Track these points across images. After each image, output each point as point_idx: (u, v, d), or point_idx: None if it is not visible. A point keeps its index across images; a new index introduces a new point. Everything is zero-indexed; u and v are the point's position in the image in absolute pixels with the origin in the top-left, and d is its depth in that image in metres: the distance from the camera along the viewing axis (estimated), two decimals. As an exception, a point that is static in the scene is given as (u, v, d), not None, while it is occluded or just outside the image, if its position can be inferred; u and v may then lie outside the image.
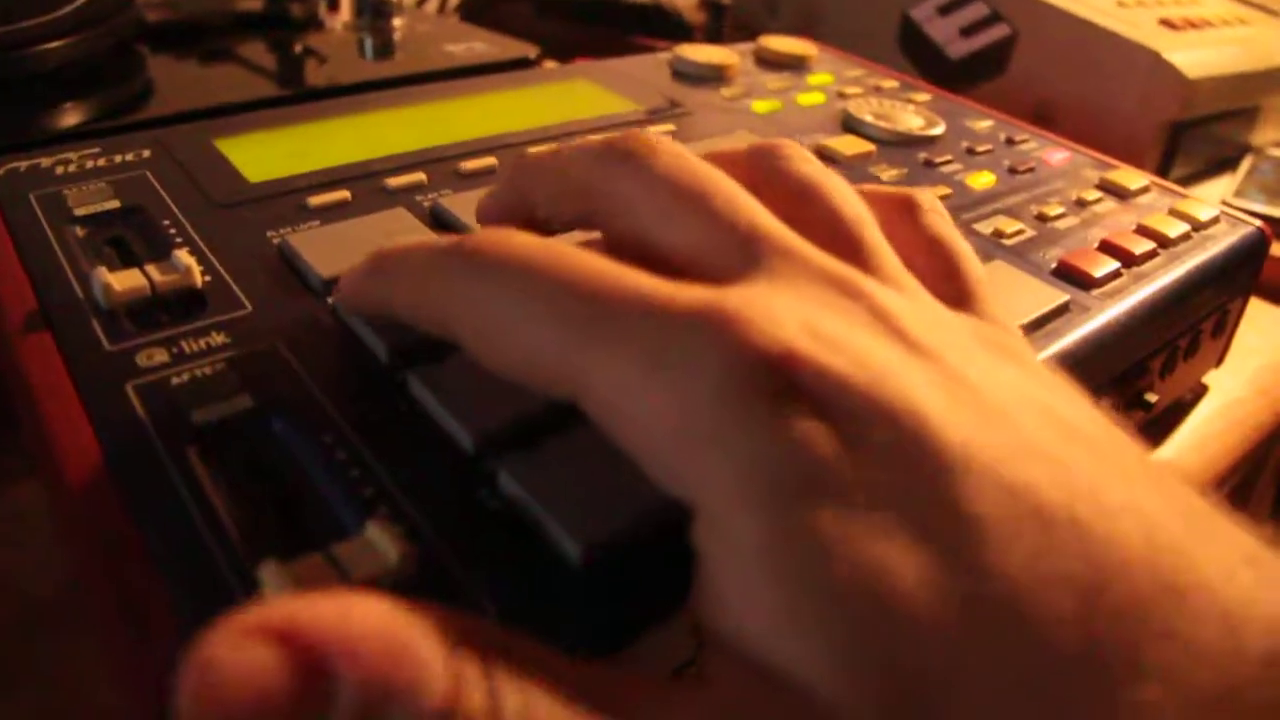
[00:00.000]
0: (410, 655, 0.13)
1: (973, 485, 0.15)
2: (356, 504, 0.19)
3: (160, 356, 0.23)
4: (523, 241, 0.18)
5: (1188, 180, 0.61)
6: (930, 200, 0.23)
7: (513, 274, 0.17)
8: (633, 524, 0.19)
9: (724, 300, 0.16)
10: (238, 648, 0.12)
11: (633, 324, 0.16)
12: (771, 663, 0.14)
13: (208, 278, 0.26)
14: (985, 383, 0.17)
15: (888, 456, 0.15)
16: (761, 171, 0.22)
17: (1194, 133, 0.59)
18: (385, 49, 0.55)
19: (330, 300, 0.25)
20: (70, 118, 0.42)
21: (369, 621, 0.13)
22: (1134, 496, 0.15)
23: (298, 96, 0.46)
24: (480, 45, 0.54)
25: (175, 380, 0.22)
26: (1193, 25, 0.62)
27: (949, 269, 0.22)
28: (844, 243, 0.20)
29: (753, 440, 0.15)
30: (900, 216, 0.23)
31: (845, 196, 0.21)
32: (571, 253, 0.18)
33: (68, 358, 0.23)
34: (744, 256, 0.18)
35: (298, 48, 0.54)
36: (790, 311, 0.16)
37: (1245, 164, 0.63)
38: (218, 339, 0.23)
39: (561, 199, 0.22)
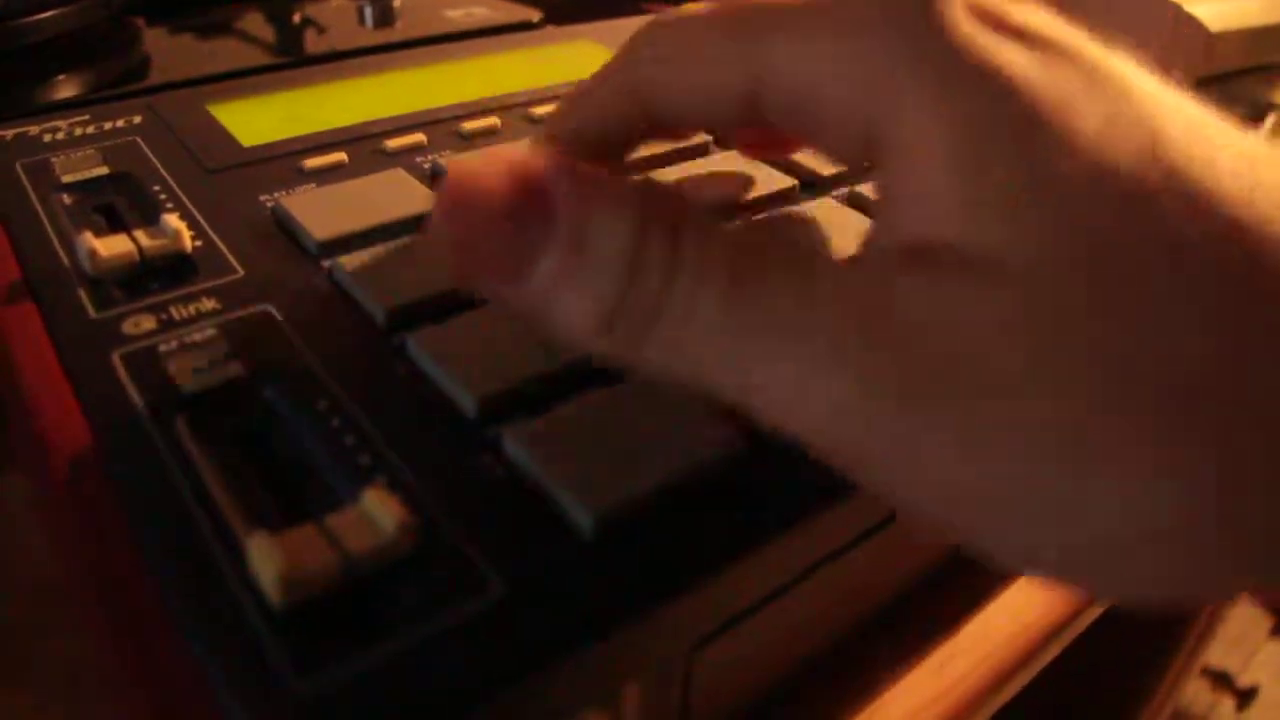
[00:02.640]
0: (608, 190, 0.16)
1: (1161, 107, 0.15)
2: (352, 473, 0.18)
3: (148, 324, 0.22)
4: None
5: (1211, 138, 0.59)
6: None
7: (684, 16, 0.19)
8: (646, 493, 0.18)
9: None
10: (482, 173, 0.15)
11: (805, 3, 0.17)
12: (948, 237, 0.15)
13: (198, 242, 0.25)
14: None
15: (1079, 78, 0.15)
16: None
17: (1216, 90, 0.57)
18: (385, 17, 0.53)
19: (325, 263, 0.24)
20: (64, 90, 0.41)
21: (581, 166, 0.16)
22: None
23: (297, 65, 0.45)
24: (481, 10, 0.53)
25: (163, 348, 0.21)
26: (1215, -22, 0.60)
27: None
28: None
29: (942, 56, 0.15)
30: None
31: None
32: None
33: (52, 328, 0.22)
34: None
35: (296, 18, 0.53)
36: None
37: (1269, 122, 0.61)
38: (208, 304, 0.22)
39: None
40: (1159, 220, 0.14)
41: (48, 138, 0.31)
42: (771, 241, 0.16)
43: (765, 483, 0.19)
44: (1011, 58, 0.15)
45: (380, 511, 0.16)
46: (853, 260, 0.16)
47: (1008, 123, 0.15)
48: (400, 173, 0.28)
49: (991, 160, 0.15)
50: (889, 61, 0.16)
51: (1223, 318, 0.14)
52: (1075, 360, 0.14)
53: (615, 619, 0.16)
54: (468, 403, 0.19)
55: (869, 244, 0.17)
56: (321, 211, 0.25)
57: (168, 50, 0.47)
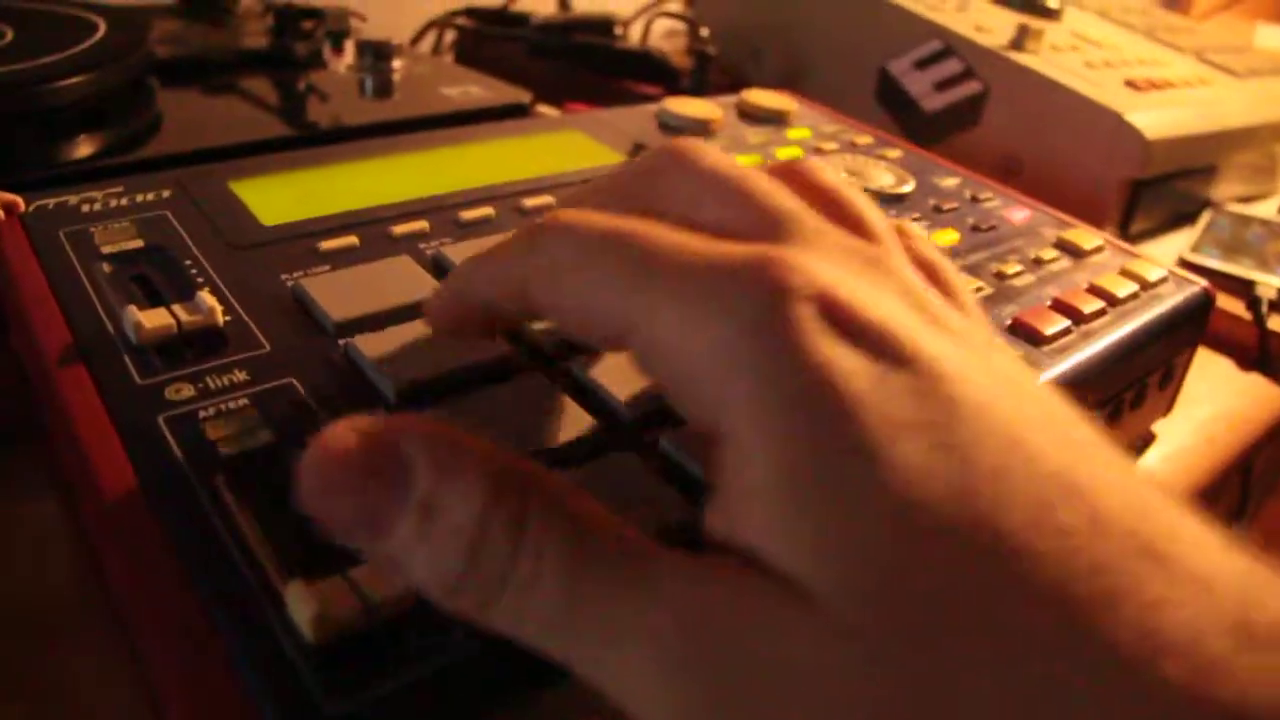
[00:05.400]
0: (462, 458, 0.17)
1: (984, 429, 0.16)
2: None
3: (187, 391, 0.25)
4: (588, 214, 0.20)
5: (1148, 234, 0.64)
6: (918, 230, 0.25)
7: (580, 234, 0.19)
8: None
9: (771, 250, 0.18)
10: (345, 436, 0.17)
11: (687, 271, 0.18)
12: (766, 552, 0.16)
13: (228, 318, 0.28)
14: (996, 360, 0.18)
15: (910, 396, 0.16)
16: (795, 175, 0.23)
17: (1154, 189, 0.62)
18: (384, 90, 0.57)
19: (341, 342, 0.27)
20: (86, 150, 0.44)
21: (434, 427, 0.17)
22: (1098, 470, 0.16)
23: (303, 136, 0.49)
24: (475, 89, 0.57)
25: (203, 414, 0.24)
26: (1155, 86, 0.65)
27: (941, 282, 0.23)
28: (869, 236, 0.21)
29: (780, 362, 0.16)
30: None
31: (869, 203, 0.23)
32: (632, 219, 0.19)
33: (102, 390, 0.25)
34: (781, 231, 0.20)
35: (301, 86, 0.56)
36: (829, 267, 0.18)
37: (1203, 219, 0.66)
38: (240, 376, 0.26)
39: (615, 205, 0.22)
40: (956, 563, 0.15)
41: (85, 208, 0.34)
42: (610, 524, 0.17)
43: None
44: (849, 369, 0.16)
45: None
46: (688, 558, 0.17)
47: (830, 452, 0.16)
48: (406, 259, 0.31)
49: (807, 487, 0.16)
50: (734, 358, 0.17)
51: (1001, 669, 0.14)
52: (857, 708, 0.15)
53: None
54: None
55: (708, 530, 0.18)
56: (337, 293, 0.29)
57: (181, 114, 0.51)
